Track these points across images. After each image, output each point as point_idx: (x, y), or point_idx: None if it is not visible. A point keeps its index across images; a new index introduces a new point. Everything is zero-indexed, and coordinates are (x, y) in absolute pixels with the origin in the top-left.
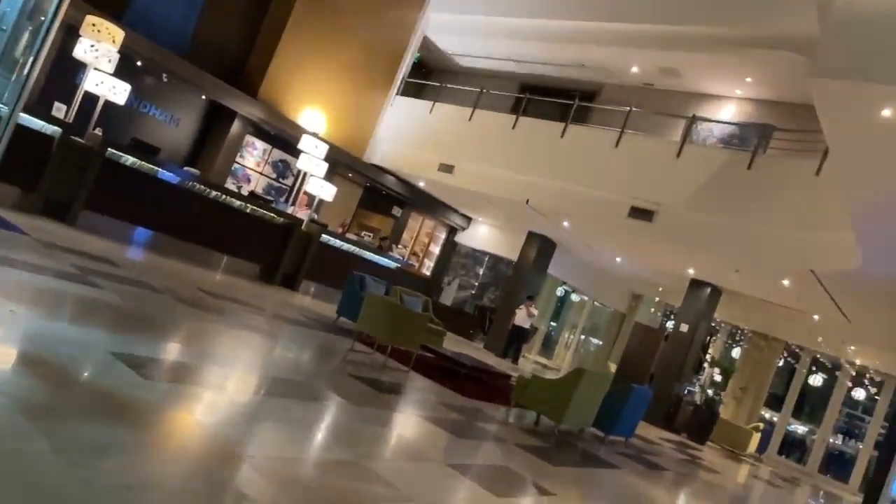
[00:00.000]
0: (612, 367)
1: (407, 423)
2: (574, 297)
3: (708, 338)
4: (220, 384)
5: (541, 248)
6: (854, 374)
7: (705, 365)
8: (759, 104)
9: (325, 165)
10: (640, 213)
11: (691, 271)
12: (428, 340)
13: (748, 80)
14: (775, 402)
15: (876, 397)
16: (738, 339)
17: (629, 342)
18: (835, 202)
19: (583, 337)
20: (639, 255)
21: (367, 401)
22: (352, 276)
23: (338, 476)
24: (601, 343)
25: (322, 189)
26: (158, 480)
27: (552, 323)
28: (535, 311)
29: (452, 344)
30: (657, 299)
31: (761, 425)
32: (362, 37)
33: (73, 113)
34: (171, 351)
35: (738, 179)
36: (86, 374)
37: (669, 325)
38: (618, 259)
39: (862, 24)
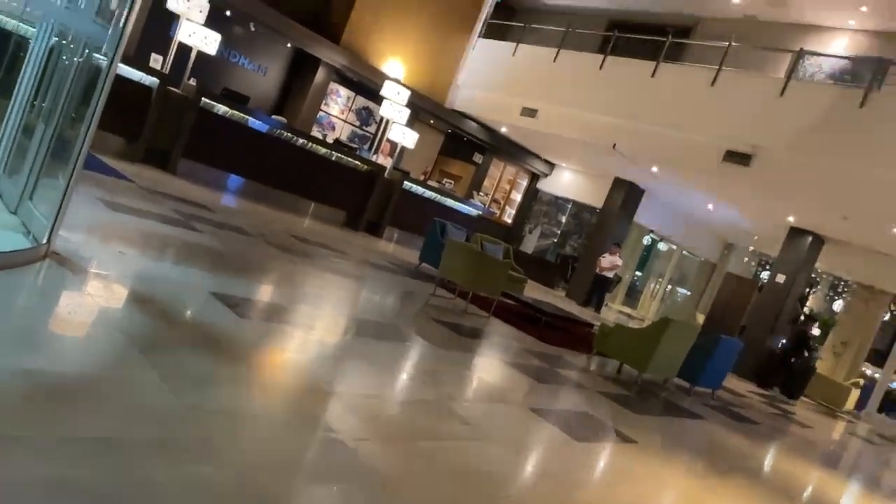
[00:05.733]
0: (700, 318)
1: (487, 367)
2: (661, 246)
3: (807, 290)
4: (310, 324)
5: (627, 194)
6: None
7: (802, 318)
8: (875, 36)
9: (407, 112)
10: (737, 157)
11: (791, 219)
12: (508, 287)
13: (863, 9)
14: (878, 358)
15: None
16: (840, 291)
17: (719, 293)
18: None
19: (670, 287)
20: (733, 201)
21: (449, 344)
22: (433, 223)
23: (420, 414)
24: (689, 293)
25: (404, 136)
26: (257, 410)
27: (637, 272)
28: (619, 261)
29: (533, 292)
30: (751, 248)
31: (861, 381)
32: None
33: (169, 64)
34: (265, 292)
35: (849, 118)
36: (188, 311)
37: (764, 275)
38: (709, 206)
39: None
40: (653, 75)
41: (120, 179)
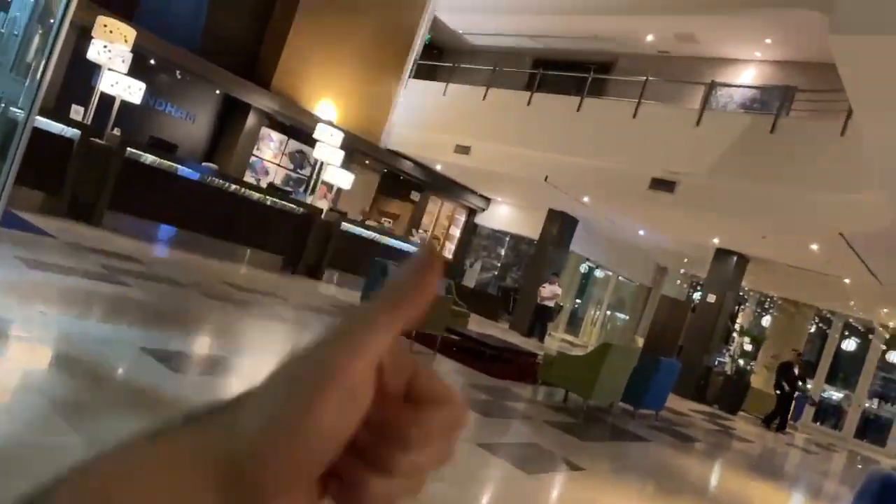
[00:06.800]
0: (640, 342)
1: None
2: (598, 273)
3: (736, 307)
4: (250, 374)
5: (562, 225)
6: (888, 336)
7: (734, 335)
8: (781, 66)
9: (342, 153)
10: (662, 185)
11: (716, 241)
12: (452, 322)
13: (768, 41)
14: (808, 369)
15: None
16: (767, 307)
17: (656, 315)
18: (861, 162)
19: (609, 312)
20: (662, 226)
21: None
22: (374, 263)
23: None
24: (627, 318)
25: (340, 177)
26: None
27: (577, 300)
28: (558, 290)
29: (477, 325)
30: (682, 271)
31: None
32: (372, 21)
33: (91, 114)
34: (200, 344)
35: (760, 144)
36: (118, 370)
37: (696, 296)
38: (640, 232)
39: None
40: (578, 109)
41: (41, 236)
